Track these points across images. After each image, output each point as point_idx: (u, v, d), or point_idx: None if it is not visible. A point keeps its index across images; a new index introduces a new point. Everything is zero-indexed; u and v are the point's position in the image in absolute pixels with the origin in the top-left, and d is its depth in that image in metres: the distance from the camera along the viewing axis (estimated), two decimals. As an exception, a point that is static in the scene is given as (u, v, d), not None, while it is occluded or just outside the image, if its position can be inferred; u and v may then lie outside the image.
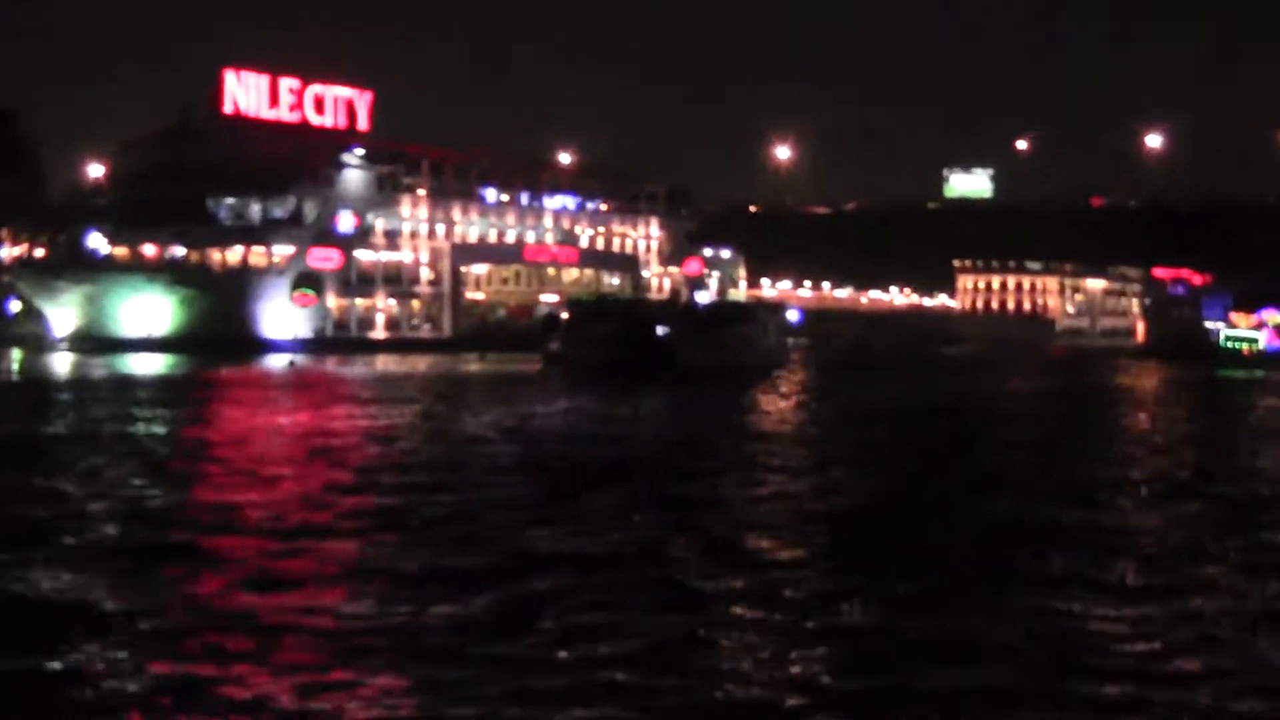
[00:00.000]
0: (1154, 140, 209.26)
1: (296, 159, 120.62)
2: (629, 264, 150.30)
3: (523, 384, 78.52)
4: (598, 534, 26.10)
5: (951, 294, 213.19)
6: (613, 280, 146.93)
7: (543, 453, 41.28)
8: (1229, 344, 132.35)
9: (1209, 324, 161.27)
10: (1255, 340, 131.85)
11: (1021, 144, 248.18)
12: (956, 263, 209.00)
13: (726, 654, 17.57)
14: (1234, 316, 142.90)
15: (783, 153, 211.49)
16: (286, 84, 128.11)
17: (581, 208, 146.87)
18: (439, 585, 21.15)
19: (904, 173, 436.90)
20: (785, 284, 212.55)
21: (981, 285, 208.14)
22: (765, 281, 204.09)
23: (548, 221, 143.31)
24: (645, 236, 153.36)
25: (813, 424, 55.49)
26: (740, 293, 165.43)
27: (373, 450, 41.07)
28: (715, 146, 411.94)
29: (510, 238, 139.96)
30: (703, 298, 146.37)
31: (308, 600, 20.07)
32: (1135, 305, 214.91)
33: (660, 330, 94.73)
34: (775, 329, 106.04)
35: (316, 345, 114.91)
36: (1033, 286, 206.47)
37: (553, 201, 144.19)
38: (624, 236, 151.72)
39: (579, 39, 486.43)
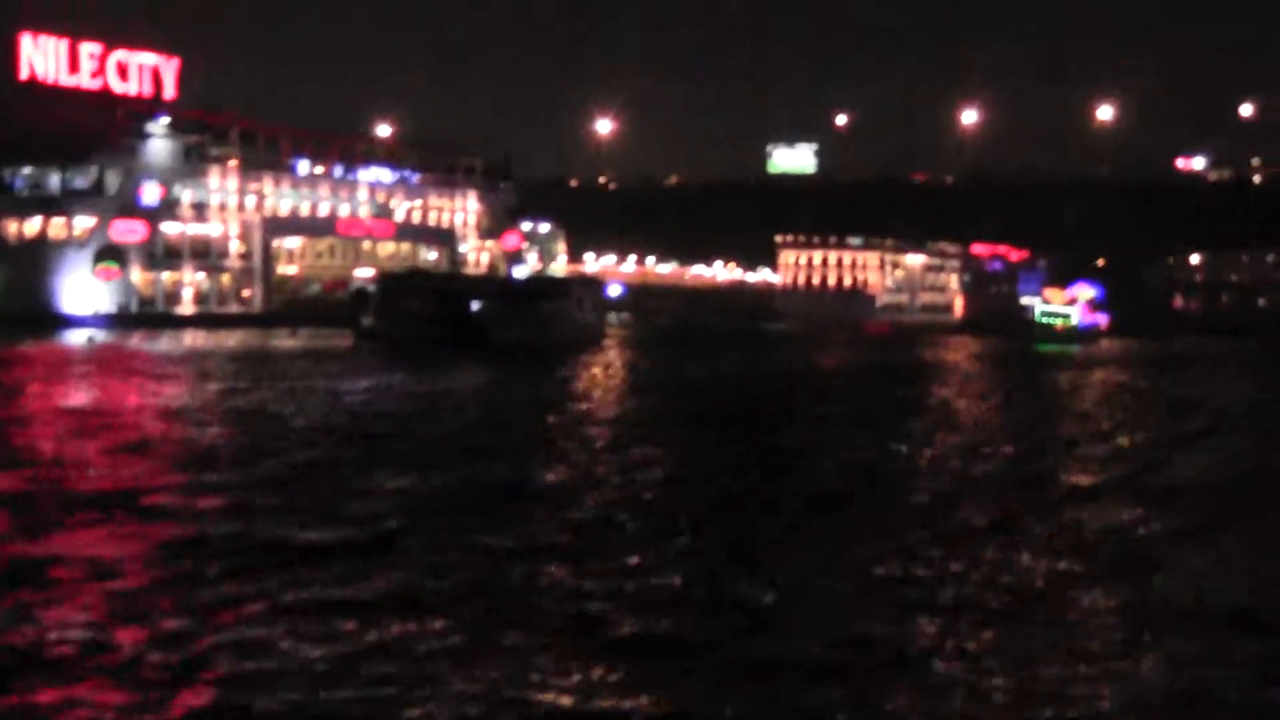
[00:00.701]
0: (970, 117, 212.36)
1: (98, 127, 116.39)
2: (446, 238, 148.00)
3: (332, 360, 76.34)
4: (359, 521, 24.66)
5: (774, 269, 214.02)
6: (430, 254, 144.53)
7: (329, 430, 39.66)
8: (1043, 319, 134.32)
9: (1024, 300, 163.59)
10: (1067, 316, 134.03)
11: (841, 119, 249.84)
12: (779, 238, 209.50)
13: (479, 657, 16.18)
14: (1048, 292, 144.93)
15: (604, 127, 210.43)
16: (88, 49, 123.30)
17: (398, 180, 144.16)
18: (163, 580, 19.58)
19: (727, 148, 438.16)
20: (608, 259, 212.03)
21: (803, 260, 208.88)
22: (588, 256, 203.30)
23: (362, 194, 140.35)
24: (463, 210, 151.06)
25: (618, 401, 54.44)
26: (561, 267, 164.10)
27: (153, 430, 39.10)
28: (535, 122, 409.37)
29: (324, 210, 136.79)
30: (521, 272, 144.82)
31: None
32: (954, 281, 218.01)
33: (474, 305, 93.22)
34: (592, 304, 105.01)
35: (120, 321, 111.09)
36: (854, 262, 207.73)
37: (368, 174, 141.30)
38: (441, 210, 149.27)
39: (396, 14, 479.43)
